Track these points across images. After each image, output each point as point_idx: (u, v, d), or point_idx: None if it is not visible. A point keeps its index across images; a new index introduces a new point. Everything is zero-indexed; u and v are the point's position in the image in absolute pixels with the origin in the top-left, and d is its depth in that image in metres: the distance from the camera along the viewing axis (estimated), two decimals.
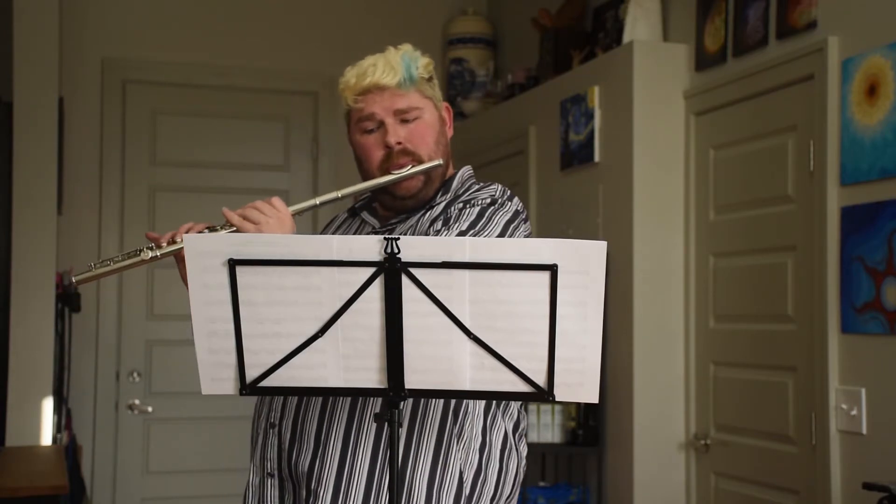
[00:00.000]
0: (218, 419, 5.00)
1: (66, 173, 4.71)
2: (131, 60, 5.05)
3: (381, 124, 1.98)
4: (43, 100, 4.39)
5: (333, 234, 2.15)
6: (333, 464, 1.88)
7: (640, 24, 3.91)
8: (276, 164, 5.29)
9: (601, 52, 4.20)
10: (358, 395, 1.78)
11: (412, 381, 1.62)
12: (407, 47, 2.02)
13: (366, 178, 2.02)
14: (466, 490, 1.91)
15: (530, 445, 3.93)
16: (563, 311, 1.57)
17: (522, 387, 1.61)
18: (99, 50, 4.99)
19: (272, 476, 1.96)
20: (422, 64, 2.01)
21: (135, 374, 4.97)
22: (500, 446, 1.96)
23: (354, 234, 2.09)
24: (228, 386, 1.66)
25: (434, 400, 1.90)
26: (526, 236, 1.99)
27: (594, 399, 1.61)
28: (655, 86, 3.83)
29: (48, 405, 4.29)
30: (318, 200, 1.98)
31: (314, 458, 1.90)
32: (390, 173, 1.97)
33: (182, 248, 1.87)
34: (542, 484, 4.16)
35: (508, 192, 2.01)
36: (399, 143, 1.97)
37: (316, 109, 5.29)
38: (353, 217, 2.15)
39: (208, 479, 5.00)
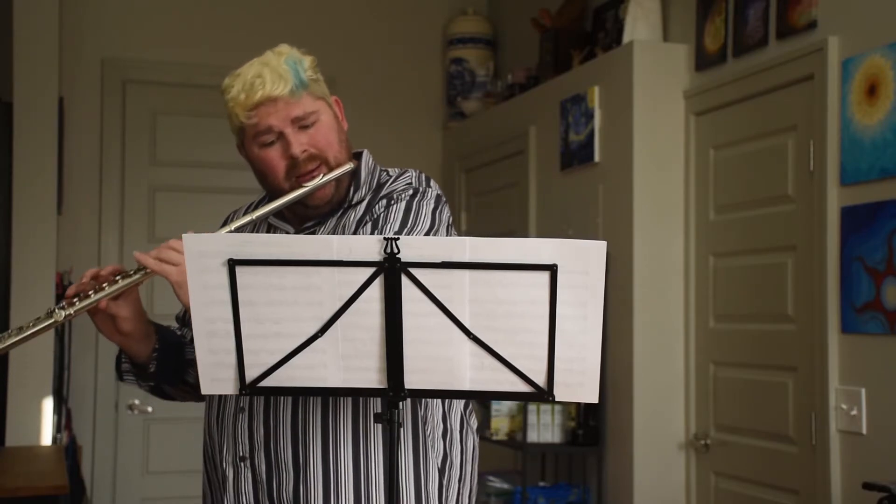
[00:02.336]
0: None
1: (66, 173, 4.71)
2: (131, 60, 5.05)
3: (281, 135, 1.91)
4: (43, 100, 4.39)
5: None
6: (318, 485, 1.87)
7: (640, 24, 3.91)
8: None
9: (601, 52, 4.20)
10: (358, 395, 1.78)
11: (412, 381, 1.62)
12: (286, 49, 1.96)
13: (271, 191, 1.96)
14: (441, 477, 1.92)
15: (530, 445, 3.94)
16: (562, 311, 1.57)
17: (522, 387, 1.61)
18: (99, 50, 4.99)
19: None
20: (308, 65, 1.95)
21: None
22: (458, 427, 1.97)
23: None
24: (228, 386, 1.66)
25: None
26: (448, 219, 1.95)
27: (594, 399, 1.61)
28: (655, 86, 3.83)
29: (48, 405, 4.29)
30: (233, 227, 1.92)
31: (297, 483, 1.88)
32: (302, 186, 1.90)
33: (93, 302, 1.81)
34: (542, 484, 4.15)
35: (423, 175, 1.98)
36: (304, 151, 1.90)
37: None
38: (254, 226, 2.05)
39: None
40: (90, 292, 1.82)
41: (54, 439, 4.31)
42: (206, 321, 1.63)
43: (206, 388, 1.67)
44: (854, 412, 3.03)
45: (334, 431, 1.87)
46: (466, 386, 1.62)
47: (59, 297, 4.40)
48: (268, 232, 2.05)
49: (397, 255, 1.55)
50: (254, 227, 2.04)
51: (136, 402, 4.96)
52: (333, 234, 1.94)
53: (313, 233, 1.98)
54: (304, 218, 2.00)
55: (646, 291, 3.78)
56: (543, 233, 4.39)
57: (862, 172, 3.01)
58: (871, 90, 2.99)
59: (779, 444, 3.38)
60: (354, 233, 1.92)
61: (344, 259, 1.57)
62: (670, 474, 3.78)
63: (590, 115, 4.03)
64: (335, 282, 1.58)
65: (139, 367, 1.99)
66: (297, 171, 1.91)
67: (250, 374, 1.64)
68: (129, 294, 1.87)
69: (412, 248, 1.56)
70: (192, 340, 1.87)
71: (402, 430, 1.88)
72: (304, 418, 1.88)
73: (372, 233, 1.88)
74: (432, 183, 1.98)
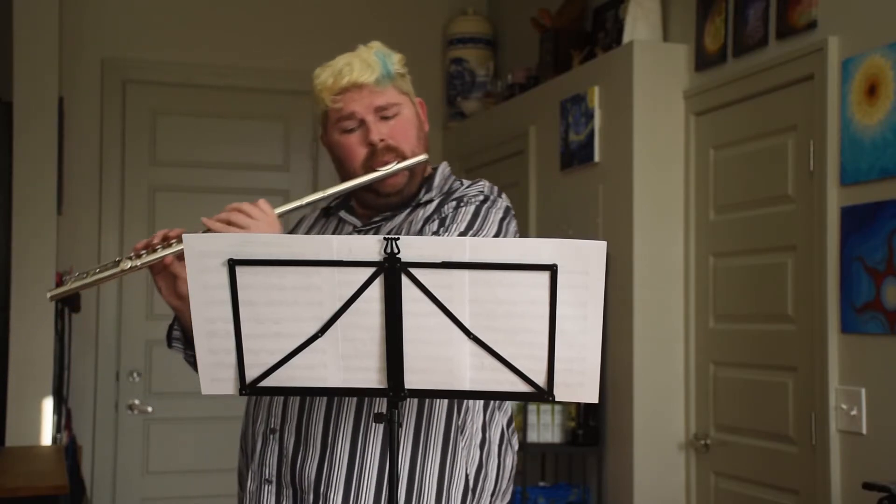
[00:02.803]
0: (218, 419, 5.00)
1: (66, 173, 4.71)
2: (131, 60, 5.05)
3: (362, 123, 1.96)
4: (43, 100, 4.39)
5: (306, 234, 2.13)
6: (342, 466, 1.87)
7: (640, 24, 3.91)
8: (276, 164, 5.29)
9: (601, 52, 4.20)
10: (358, 395, 1.78)
11: (412, 381, 1.62)
12: (377, 44, 2.01)
13: (347, 177, 2.00)
14: (471, 485, 1.91)
15: (530, 445, 3.93)
16: (562, 311, 1.57)
17: (522, 387, 1.61)
18: (99, 50, 4.99)
19: (269, 482, 1.95)
20: (396, 60, 2.00)
21: (135, 374, 4.97)
22: (497, 441, 1.97)
23: (334, 234, 2.07)
24: (228, 386, 1.66)
25: None
26: (514, 233, 1.99)
27: (594, 399, 1.61)
28: (655, 86, 3.83)
29: (48, 405, 4.29)
30: (304, 201, 1.95)
31: (321, 462, 1.89)
32: (375, 170, 1.95)
33: (160, 258, 1.86)
34: (542, 484, 4.15)
35: (495, 187, 2.01)
36: (382, 140, 1.95)
37: (315, 109, 5.28)
38: (327, 217, 2.13)
39: (208, 479, 5.00)
40: (157, 247, 1.86)
41: (54, 439, 4.31)
42: (206, 321, 1.63)
43: (206, 388, 1.67)
44: (854, 412, 3.03)
45: (367, 416, 1.88)
46: (466, 386, 1.62)
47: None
48: (338, 226, 2.08)
49: (397, 255, 1.55)
50: (325, 219, 2.10)
51: (136, 402, 4.97)
52: (400, 230, 1.97)
53: (378, 228, 2.00)
54: (373, 209, 2.03)
55: (646, 291, 3.78)
56: (543, 233, 4.39)
57: (862, 172, 3.01)
58: (871, 90, 2.99)
59: (779, 444, 3.38)
60: (421, 230, 1.94)
61: (344, 259, 1.57)
62: (670, 474, 3.78)
63: (590, 115, 4.03)
64: (335, 282, 1.58)
65: (188, 338, 2.01)
66: (374, 160, 1.95)
67: (250, 374, 1.64)
68: None
69: (412, 248, 1.56)
70: None
71: (431, 433, 1.89)
72: (339, 398, 1.89)
73: (437, 231, 1.91)
74: (503, 195, 2.00)
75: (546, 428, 3.95)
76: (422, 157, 1.98)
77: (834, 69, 3.12)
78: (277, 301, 1.60)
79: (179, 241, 1.85)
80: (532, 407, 3.93)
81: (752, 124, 3.53)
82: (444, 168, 2.08)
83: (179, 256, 1.87)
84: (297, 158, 5.31)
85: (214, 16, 5.19)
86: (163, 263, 1.89)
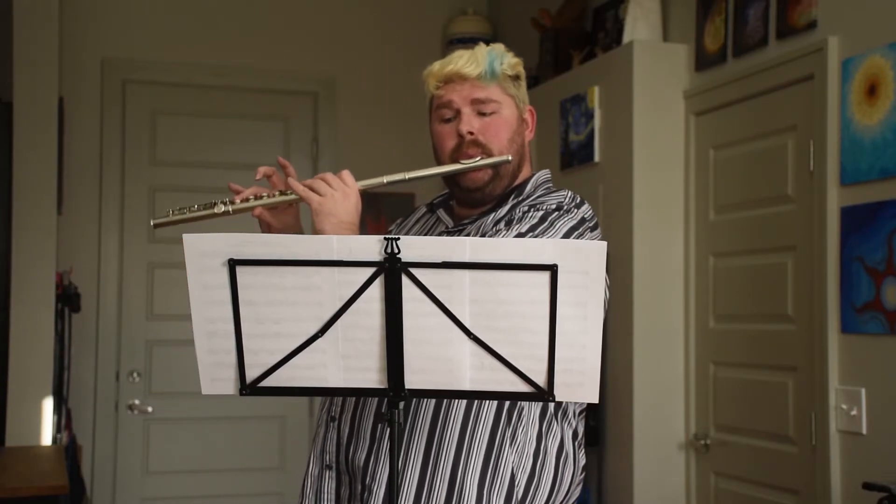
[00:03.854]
0: (218, 419, 5.00)
1: (66, 173, 4.71)
2: (131, 60, 5.05)
3: (458, 113, 2.00)
4: (43, 100, 4.39)
5: (411, 229, 2.17)
6: (387, 460, 1.89)
7: (640, 24, 3.91)
8: (277, 164, 5.28)
9: (601, 52, 4.20)
10: (358, 395, 1.78)
11: (412, 381, 1.62)
12: (499, 46, 2.05)
13: (437, 165, 2.04)
14: (519, 493, 1.90)
15: None
16: (563, 312, 1.57)
17: (522, 387, 1.61)
18: (99, 50, 4.99)
19: (330, 468, 1.99)
20: (508, 62, 2.03)
21: (135, 375, 4.97)
22: (555, 452, 1.94)
23: (429, 232, 2.12)
24: (228, 386, 1.66)
25: (487, 402, 1.90)
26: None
27: (594, 399, 1.61)
28: (655, 86, 3.83)
29: (48, 405, 4.29)
30: (385, 179, 1.98)
31: (370, 453, 1.92)
32: (459, 163, 1.98)
33: (251, 206, 1.94)
34: None
35: (578, 198, 2.01)
36: (471, 133, 1.98)
37: (316, 109, 5.28)
38: (431, 213, 2.16)
39: (208, 479, 5.00)
40: (250, 197, 1.94)
41: (54, 439, 4.31)
42: (206, 321, 1.63)
43: (207, 388, 1.67)
44: (854, 412, 3.03)
45: (414, 414, 1.90)
46: (466, 386, 1.62)
47: (59, 297, 4.40)
48: (434, 224, 2.11)
49: (397, 255, 1.56)
50: (427, 215, 2.15)
51: (136, 402, 4.96)
52: (478, 232, 1.98)
53: (464, 229, 2.02)
54: (463, 205, 2.05)
55: (646, 291, 3.78)
56: None
57: (862, 172, 3.01)
58: (871, 90, 2.99)
59: (779, 444, 3.38)
60: (490, 230, 1.95)
61: (344, 259, 1.57)
62: (670, 474, 3.78)
63: (590, 115, 4.03)
64: (335, 282, 1.59)
65: None
66: (459, 152, 1.98)
67: (251, 374, 1.65)
68: (288, 212, 2.01)
69: (412, 248, 1.56)
70: None
71: (475, 439, 1.89)
72: None
73: (500, 231, 1.92)
74: (584, 206, 2.00)
75: None
76: (505, 157, 1.99)
77: (834, 69, 3.12)
78: (278, 301, 1.60)
79: (271, 195, 1.95)
80: None
81: (752, 124, 3.53)
82: (540, 175, 2.10)
83: (271, 209, 1.97)
84: (297, 158, 5.31)
85: (214, 16, 5.19)
86: (253, 213, 1.96)
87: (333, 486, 1.98)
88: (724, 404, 3.65)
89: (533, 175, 2.09)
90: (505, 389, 1.62)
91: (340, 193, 1.89)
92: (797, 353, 3.30)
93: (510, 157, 2.00)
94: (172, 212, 1.97)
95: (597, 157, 4.01)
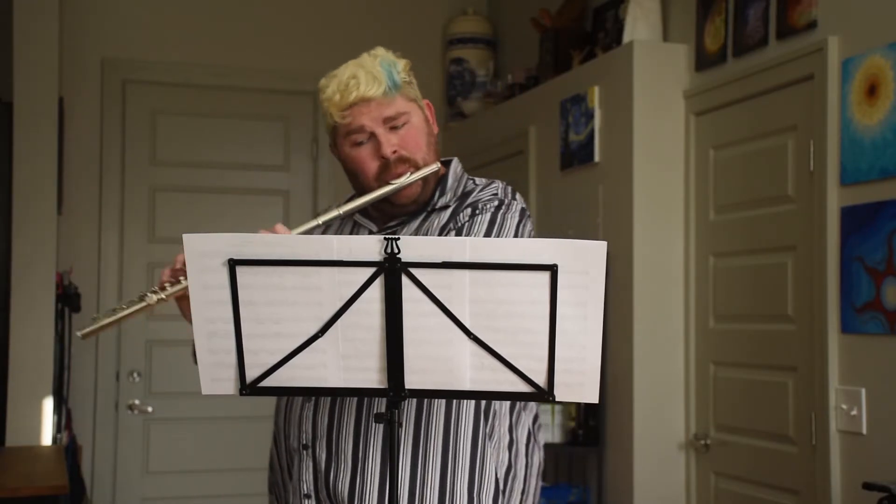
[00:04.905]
0: (218, 419, 5.00)
1: (66, 173, 4.71)
2: (131, 60, 5.05)
3: (372, 136, 1.96)
4: (43, 100, 4.39)
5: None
6: (375, 480, 1.88)
7: (640, 24, 3.91)
8: (276, 164, 5.29)
9: (601, 52, 4.20)
10: (358, 395, 1.78)
11: (412, 381, 1.62)
12: (382, 52, 2.00)
13: (362, 190, 2.00)
14: (501, 487, 1.92)
15: None
16: (563, 311, 1.57)
17: (522, 387, 1.61)
18: (99, 50, 4.99)
19: (309, 497, 1.96)
20: (401, 67, 1.98)
21: (135, 374, 4.97)
22: (524, 441, 1.98)
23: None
24: (228, 386, 1.66)
25: (465, 402, 1.91)
26: (530, 234, 1.99)
27: (594, 399, 1.61)
28: (655, 86, 3.83)
29: (48, 405, 4.29)
30: (320, 220, 1.95)
31: (353, 478, 1.90)
32: (389, 183, 1.95)
33: (182, 288, 1.84)
34: (542, 484, 4.15)
35: (509, 188, 2.01)
36: (395, 152, 1.95)
37: (316, 109, 5.28)
38: (342, 220, 2.12)
39: (208, 479, 5.00)
40: (181, 278, 1.85)
41: (54, 439, 4.31)
42: (206, 321, 1.63)
43: (207, 388, 1.67)
44: (854, 412, 3.03)
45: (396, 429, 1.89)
46: (467, 386, 1.62)
47: (59, 296, 4.40)
48: (353, 230, 2.08)
49: (397, 255, 1.56)
50: (340, 223, 2.10)
51: (136, 402, 4.97)
52: (416, 235, 1.96)
53: (395, 233, 2.00)
54: (389, 216, 2.04)
55: (646, 291, 3.78)
56: (543, 233, 4.38)
57: (862, 172, 3.01)
58: (871, 90, 2.99)
59: (779, 444, 3.38)
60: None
61: (344, 259, 1.57)
62: (670, 474, 3.78)
63: (590, 115, 4.03)
64: (335, 282, 1.59)
65: None
66: (387, 173, 1.95)
67: (251, 374, 1.65)
68: None
69: (412, 248, 1.56)
70: None
71: (459, 441, 1.90)
72: (367, 412, 1.90)
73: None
74: (517, 196, 2.00)
75: (546, 428, 3.95)
76: (434, 166, 1.97)
77: (834, 69, 3.12)
78: (278, 301, 1.60)
79: None
80: None
81: (752, 124, 3.53)
82: (455, 166, 2.07)
83: None
84: (297, 158, 5.31)
85: (214, 16, 5.19)
86: (184, 293, 1.87)
87: None
88: (724, 404, 3.65)
89: (448, 168, 2.06)
90: (505, 389, 1.62)
91: None
92: (797, 353, 3.30)
93: (439, 165, 1.99)
94: (99, 316, 1.88)
95: (597, 157, 4.01)
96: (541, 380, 1.60)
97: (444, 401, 1.89)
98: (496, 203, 1.95)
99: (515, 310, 1.58)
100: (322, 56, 5.49)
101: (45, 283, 4.33)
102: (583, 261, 1.55)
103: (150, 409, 4.97)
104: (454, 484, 1.89)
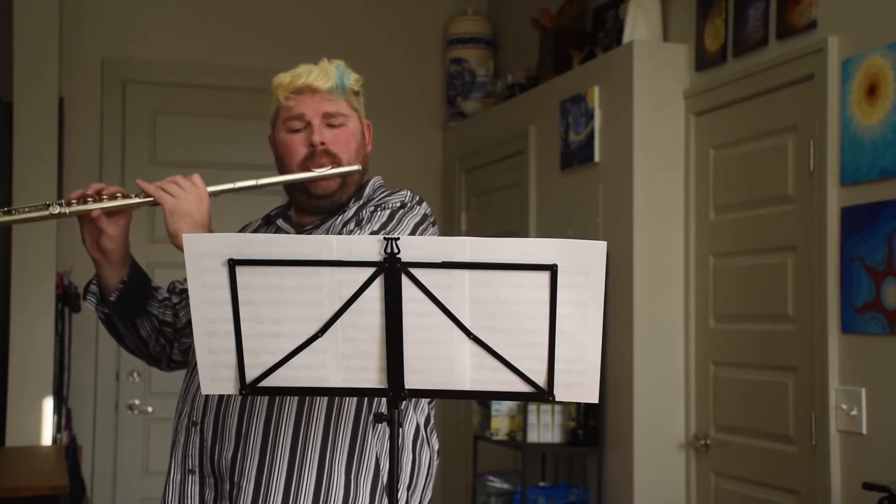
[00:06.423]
0: None
1: (66, 173, 4.71)
2: (131, 60, 5.05)
3: (308, 125, 2.03)
4: (43, 100, 4.39)
5: None
6: (255, 456, 1.92)
7: (640, 24, 3.91)
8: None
9: (601, 52, 4.20)
10: (358, 395, 1.78)
11: (412, 381, 1.62)
12: (340, 62, 2.09)
13: (284, 174, 2.07)
14: (384, 478, 1.94)
15: (530, 445, 3.93)
16: (563, 311, 1.57)
17: (522, 387, 1.61)
18: (99, 50, 4.99)
19: (193, 472, 1.99)
20: (353, 78, 2.09)
21: (135, 375, 4.97)
22: (412, 437, 2.00)
23: None
24: (228, 386, 1.66)
25: None
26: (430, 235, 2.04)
27: (594, 399, 1.61)
28: (655, 86, 3.83)
29: (48, 405, 4.29)
30: (236, 185, 2.03)
31: (235, 451, 1.93)
32: (310, 171, 2.02)
33: (90, 209, 1.92)
34: (542, 484, 4.15)
35: (418, 197, 2.06)
36: (323, 144, 2.02)
37: None
38: (267, 225, 2.19)
39: None
40: (89, 200, 1.92)
41: (54, 439, 4.31)
42: (206, 321, 1.63)
43: (207, 387, 1.67)
44: (854, 412, 3.03)
45: (279, 409, 1.93)
46: (467, 386, 1.62)
47: (59, 297, 4.40)
48: (273, 232, 2.13)
49: (397, 255, 1.56)
50: (264, 226, 2.18)
51: (136, 402, 4.97)
52: (320, 234, 2.02)
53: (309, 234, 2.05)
54: (306, 213, 2.09)
55: (646, 291, 3.78)
56: (543, 233, 4.39)
57: (862, 172, 3.01)
58: (871, 90, 2.99)
59: (779, 444, 3.38)
60: (340, 232, 2.00)
61: (344, 259, 1.57)
62: (670, 474, 3.78)
63: (590, 115, 4.03)
64: (335, 282, 1.59)
65: (102, 294, 2.08)
66: (311, 161, 2.02)
67: (250, 374, 1.65)
68: (122, 216, 2.00)
69: (412, 248, 1.56)
70: (178, 305, 2.09)
71: (339, 426, 1.93)
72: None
73: (353, 231, 1.97)
74: (424, 203, 2.06)
75: (546, 428, 3.95)
76: (355, 167, 2.04)
77: (834, 69, 3.12)
78: (277, 301, 1.60)
79: (112, 197, 1.94)
80: (532, 407, 3.93)
81: (752, 124, 3.53)
82: (375, 181, 2.14)
83: (108, 214, 1.96)
84: None
85: (214, 16, 5.19)
86: (90, 216, 1.94)
87: (197, 490, 1.99)
88: (724, 404, 3.65)
89: (369, 180, 2.14)
90: (505, 389, 1.62)
91: (194, 196, 1.93)
92: (797, 353, 3.30)
93: (360, 167, 2.06)
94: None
95: (597, 157, 4.01)
96: (541, 380, 1.60)
97: None
98: (398, 204, 2.01)
99: (515, 310, 1.58)
100: (322, 56, 5.50)
101: (45, 283, 4.33)
102: (583, 261, 1.55)
103: (150, 409, 4.97)
104: (332, 465, 1.91)
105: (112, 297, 2.05)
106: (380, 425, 1.94)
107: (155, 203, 1.93)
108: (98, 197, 1.94)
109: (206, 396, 1.97)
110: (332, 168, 2.02)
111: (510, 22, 5.36)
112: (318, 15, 5.32)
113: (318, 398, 1.92)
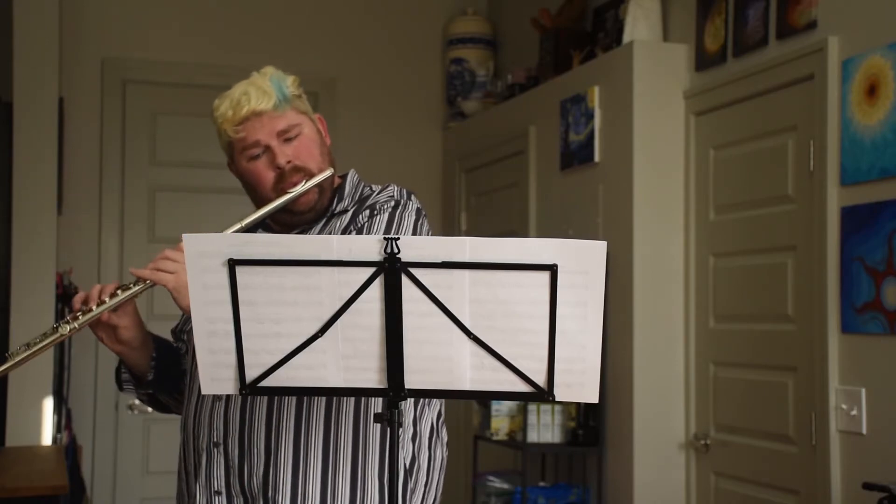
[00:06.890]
0: None
1: (66, 173, 4.71)
2: (131, 60, 5.05)
3: (267, 148, 2.01)
4: (43, 100, 4.39)
5: None
6: (287, 470, 1.91)
7: (640, 24, 3.91)
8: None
9: (601, 52, 4.20)
10: (358, 395, 1.79)
11: (412, 381, 1.62)
12: (271, 69, 2.09)
13: (260, 202, 2.04)
14: (409, 480, 1.96)
15: (530, 445, 3.94)
16: (563, 311, 1.56)
17: (522, 387, 1.61)
18: (99, 50, 4.99)
19: (219, 494, 1.97)
20: (290, 82, 2.08)
21: None
22: (428, 434, 2.01)
23: None
24: (228, 386, 1.66)
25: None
26: (427, 232, 2.04)
27: (594, 399, 1.61)
28: (655, 86, 3.83)
29: (48, 405, 4.29)
30: (225, 233, 1.96)
31: (267, 467, 1.92)
32: (286, 192, 2.00)
33: (96, 315, 1.89)
34: (542, 484, 4.15)
35: (405, 190, 2.06)
36: (289, 162, 2.00)
37: (315, 109, 5.27)
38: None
39: None
40: (92, 305, 1.90)
41: (54, 439, 4.31)
42: (206, 321, 1.63)
43: (207, 387, 1.67)
44: (854, 412, 3.03)
45: (307, 420, 1.92)
46: (467, 386, 1.62)
47: (59, 297, 4.40)
48: None
49: (397, 255, 1.56)
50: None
51: (136, 402, 4.96)
52: None
53: None
54: (290, 227, 2.08)
55: (646, 291, 3.78)
56: (543, 233, 4.39)
57: (862, 172, 3.01)
58: (871, 90, 2.99)
59: (779, 444, 3.38)
60: None
61: (344, 259, 1.57)
62: (670, 474, 3.78)
63: (590, 115, 4.03)
64: (335, 282, 1.58)
65: (137, 377, 2.08)
66: (283, 182, 2.01)
67: (250, 374, 1.64)
68: (128, 305, 1.97)
69: (412, 248, 1.56)
70: (187, 352, 2.03)
71: (369, 429, 1.93)
72: (279, 406, 1.93)
73: None
74: (413, 197, 2.06)
75: (546, 428, 3.95)
76: (328, 172, 2.03)
77: (834, 69, 3.12)
78: (277, 301, 1.60)
79: (113, 295, 1.91)
80: (532, 407, 3.93)
81: (752, 124, 3.53)
82: (352, 176, 2.13)
83: (114, 309, 1.93)
84: None
85: (214, 16, 5.19)
86: (99, 320, 1.92)
87: None
88: (724, 404, 3.65)
89: (345, 177, 2.13)
90: (505, 389, 1.62)
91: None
92: (797, 353, 3.30)
93: (332, 171, 2.05)
94: (14, 353, 1.89)
95: (597, 157, 4.01)
96: (541, 380, 1.60)
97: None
98: (392, 203, 2.00)
99: (515, 309, 1.57)
100: (323, 56, 5.51)
101: (45, 283, 4.34)
102: (583, 260, 1.55)
103: (150, 409, 4.95)
104: (365, 471, 1.92)
105: (149, 376, 2.05)
106: (401, 429, 1.94)
107: (155, 284, 1.90)
108: (99, 299, 1.91)
109: (227, 416, 1.96)
110: (307, 182, 2.00)
111: (510, 22, 5.36)
112: (318, 15, 5.32)
113: (344, 406, 1.92)
